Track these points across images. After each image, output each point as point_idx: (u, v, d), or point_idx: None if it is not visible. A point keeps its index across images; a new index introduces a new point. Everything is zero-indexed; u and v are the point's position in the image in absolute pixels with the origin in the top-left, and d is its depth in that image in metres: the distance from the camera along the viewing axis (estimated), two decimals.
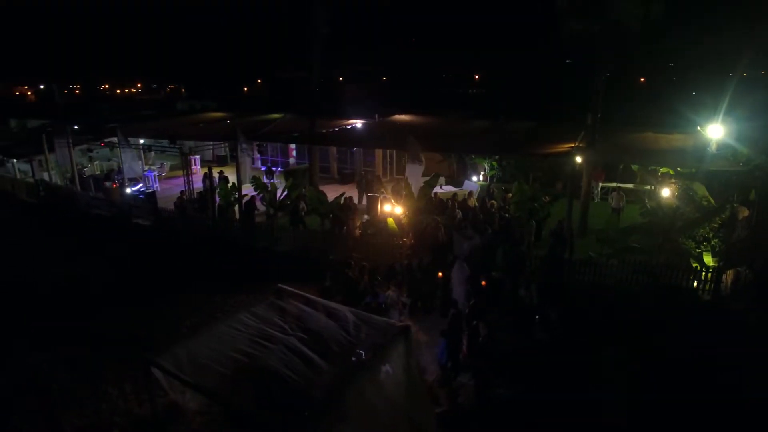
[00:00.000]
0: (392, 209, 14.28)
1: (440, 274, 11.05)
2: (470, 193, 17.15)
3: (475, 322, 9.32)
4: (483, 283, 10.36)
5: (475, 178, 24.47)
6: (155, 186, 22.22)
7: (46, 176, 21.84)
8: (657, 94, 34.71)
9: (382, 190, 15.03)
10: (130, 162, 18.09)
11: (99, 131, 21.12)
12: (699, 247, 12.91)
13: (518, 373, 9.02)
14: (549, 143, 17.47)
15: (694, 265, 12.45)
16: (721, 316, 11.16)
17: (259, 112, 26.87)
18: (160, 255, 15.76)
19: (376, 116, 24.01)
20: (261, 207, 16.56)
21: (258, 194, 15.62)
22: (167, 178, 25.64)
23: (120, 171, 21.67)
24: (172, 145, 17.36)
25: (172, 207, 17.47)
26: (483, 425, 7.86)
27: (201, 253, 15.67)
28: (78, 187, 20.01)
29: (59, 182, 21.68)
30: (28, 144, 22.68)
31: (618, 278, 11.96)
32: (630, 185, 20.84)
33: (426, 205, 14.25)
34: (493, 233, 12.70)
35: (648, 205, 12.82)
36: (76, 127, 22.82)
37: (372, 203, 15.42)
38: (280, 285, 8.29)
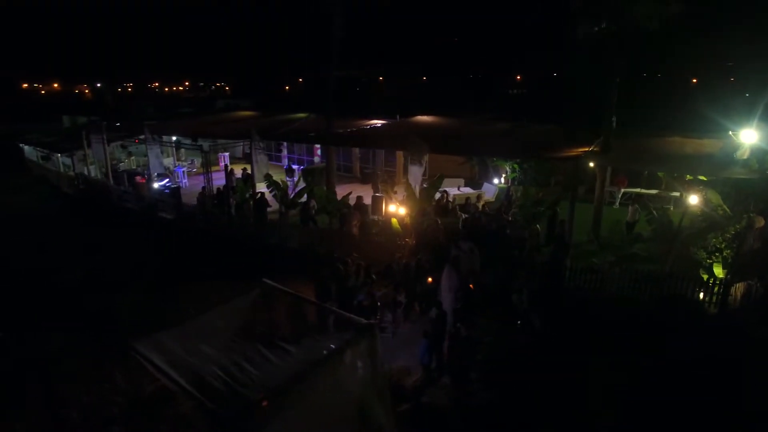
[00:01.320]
0: (396, 209, 14.47)
1: (430, 279, 11.15)
2: (479, 196, 17.06)
3: (457, 324, 9.43)
4: (470, 286, 10.39)
5: (496, 181, 24.26)
6: (184, 181, 23.27)
7: (87, 170, 23.32)
8: (692, 97, 33.24)
9: (388, 190, 15.22)
10: (156, 158, 19.06)
11: (134, 128, 22.33)
12: (710, 258, 12.45)
13: (497, 377, 9.06)
14: (567, 146, 17.15)
15: (703, 276, 12.02)
16: (725, 331, 10.74)
17: (286, 111, 27.61)
18: (179, 248, 16.60)
19: (397, 116, 24.21)
20: (274, 204, 17.11)
21: (271, 192, 16.16)
22: (197, 174, 26.78)
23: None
24: (193, 143, 18.18)
25: (195, 202, 18.35)
26: (448, 425, 7.97)
27: (217, 246, 16.40)
28: (111, 181, 21.27)
29: (98, 176, 23.08)
30: (71, 140, 24.21)
31: (618, 286, 11.70)
32: (654, 191, 20.16)
33: (428, 207, 14.33)
34: (491, 235, 12.68)
35: (654, 213, 12.40)
36: (117, 124, 24.26)
37: (377, 203, 15.67)
38: (264, 279, 8.66)
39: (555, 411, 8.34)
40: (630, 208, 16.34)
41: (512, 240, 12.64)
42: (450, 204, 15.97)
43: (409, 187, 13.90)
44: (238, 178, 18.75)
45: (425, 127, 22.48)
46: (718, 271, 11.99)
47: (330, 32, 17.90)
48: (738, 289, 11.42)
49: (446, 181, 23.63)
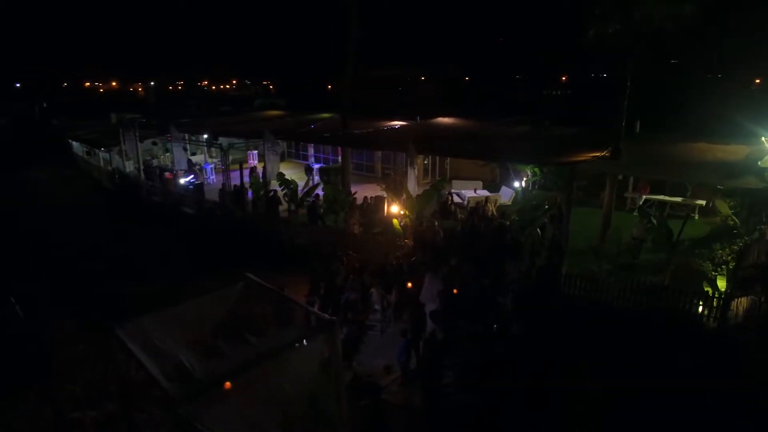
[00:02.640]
0: (398, 210, 14.73)
1: (409, 284, 11.38)
2: (487, 199, 17.02)
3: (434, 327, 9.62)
4: (455, 291, 10.50)
5: (516, 184, 23.99)
6: (211, 178, 24.38)
7: (127, 166, 24.85)
8: (724, 100, 31.47)
9: (389, 190, 15.47)
10: (180, 155, 20.10)
11: (163, 126, 23.60)
12: (716, 270, 12.01)
13: (470, 380, 9.19)
14: (581, 151, 16.83)
15: (707, 289, 11.61)
16: (721, 349, 10.36)
17: (314, 111, 28.35)
18: (198, 241, 17.51)
19: (417, 118, 24.39)
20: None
21: (282, 190, 16.79)
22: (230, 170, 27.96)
23: (190, 163, 24.09)
24: (214, 141, 19.09)
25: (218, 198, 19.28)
26: (408, 422, 8.21)
27: (232, 241, 17.19)
28: (142, 176, 22.60)
29: (133, 172, 24.55)
30: (112, 136, 25.87)
31: (611, 296, 11.50)
32: (679, 199, 19.41)
33: (428, 208, 14.50)
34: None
35: (653, 221, 12.04)
36: (147, 121, 25.66)
37: (378, 203, 15.95)
38: (247, 273, 9.16)
39: (521, 414, 8.42)
40: (637, 224, 14.51)
41: (509, 244, 12.63)
42: (451, 206, 16.04)
43: (406, 189, 14.12)
44: (254, 176, 19.51)
45: (443, 129, 22.57)
46: (723, 284, 11.55)
47: (347, 33, 18.31)
48: (740, 304, 10.98)
49: (464, 183, 23.73)
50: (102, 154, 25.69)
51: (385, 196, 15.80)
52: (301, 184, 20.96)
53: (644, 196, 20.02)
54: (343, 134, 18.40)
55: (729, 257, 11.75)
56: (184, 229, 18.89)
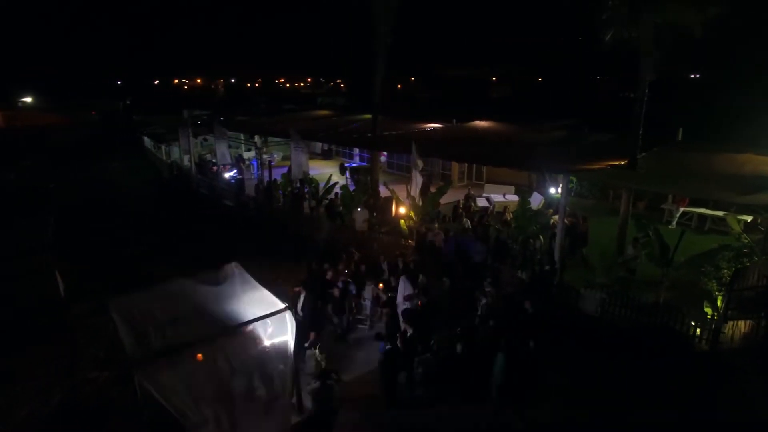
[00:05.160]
0: (405, 211, 15.25)
1: (381, 285, 11.85)
2: (506, 208, 17.07)
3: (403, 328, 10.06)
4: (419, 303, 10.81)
5: (553, 191, 23.46)
6: (256, 173, 26.11)
7: (185, 159, 27.25)
8: None
9: (394, 191, 15.90)
10: (223, 151, 21.80)
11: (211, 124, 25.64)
12: (720, 290, 11.42)
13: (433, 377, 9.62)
14: (601, 159, 16.36)
15: (706, 309, 11.11)
16: (713, 374, 9.94)
17: (358, 112, 29.35)
18: (231, 231, 19.04)
19: (454, 121, 24.58)
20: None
21: (305, 188, 17.86)
22: (276, 166, 29.71)
23: (239, 158, 26.09)
24: (251, 140, 20.56)
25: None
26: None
27: (262, 232, 18.56)
28: (194, 169, 24.73)
29: (189, 165, 26.88)
30: (175, 131, 28.44)
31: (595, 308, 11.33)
32: (720, 213, 18.16)
33: (430, 212, 14.87)
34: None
35: (650, 234, 11.58)
36: (199, 122, 27.85)
37: (386, 203, 16.46)
38: (235, 262, 10.16)
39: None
40: (631, 246, 13.76)
41: (500, 250, 12.75)
42: (461, 210, 16.26)
43: (409, 191, 14.57)
44: (284, 173, 20.75)
45: (477, 133, 22.58)
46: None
47: (375, 37, 18.94)
48: (737, 327, 10.44)
49: (494, 187, 23.61)
50: (164, 148, 28.34)
51: (391, 196, 16.34)
52: (341, 182, 22.04)
53: (681, 209, 18.96)
54: (359, 136, 19.14)
55: (728, 278, 11.11)
56: (222, 219, 20.55)
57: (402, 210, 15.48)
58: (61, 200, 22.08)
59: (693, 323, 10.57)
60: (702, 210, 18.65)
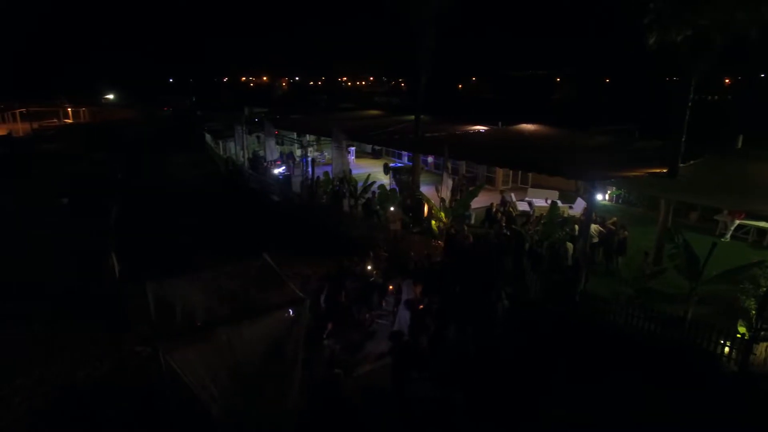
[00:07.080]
0: (437, 213, 15.48)
1: (391, 287, 12.13)
2: (543, 214, 16.88)
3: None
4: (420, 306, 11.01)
5: (600, 197, 22.75)
6: (307, 171, 27.16)
7: (240, 155, 28.85)
8: None
9: (421, 194, 16.06)
10: (271, 148, 22.90)
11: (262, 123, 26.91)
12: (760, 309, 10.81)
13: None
14: (640, 166, 15.75)
15: (740, 328, 10.58)
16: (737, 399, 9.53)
17: (406, 113, 29.72)
18: (276, 225, 20.03)
19: (499, 123, 24.39)
20: None
21: (345, 186, 18.50)
22: (326, 164, 30.72)
23: (290, 155, 27.31)
24: (299, 138, 21.50)
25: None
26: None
27: (305, 227, 19.42)
28: (247, 165, 26.14)
29: (244, 161, 28.41)
30: (231, 128, 30.14)
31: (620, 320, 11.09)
32: None
33: (457, 214, 15.00)
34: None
35: (679, 246, 11.09)
36: (256, 120, 29.25)
37: (418, 206, 16.66)
38: (264, 255, 10.88)
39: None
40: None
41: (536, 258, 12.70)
42: (497, 214, 16.25)
43: (437, 193, 14.77)
44: (325, 171, 21.51)
45: (520, 137, 22.28)
46: None
47: (418, 43, 19.27)
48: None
49: (538, 191, 23.21)
50: (222, 143, 30.12)
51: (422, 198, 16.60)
52: (384, 182, 22.60)
53: (737, 221, 17.84)
54: (400, 137, 19.47)
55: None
56: (269, 214, 21.64)
57: (432, 211, 15.74)
58: (126, 190, 24.13)
59: (722, 341, 10.12)
60: (762, 223, 17.48)
